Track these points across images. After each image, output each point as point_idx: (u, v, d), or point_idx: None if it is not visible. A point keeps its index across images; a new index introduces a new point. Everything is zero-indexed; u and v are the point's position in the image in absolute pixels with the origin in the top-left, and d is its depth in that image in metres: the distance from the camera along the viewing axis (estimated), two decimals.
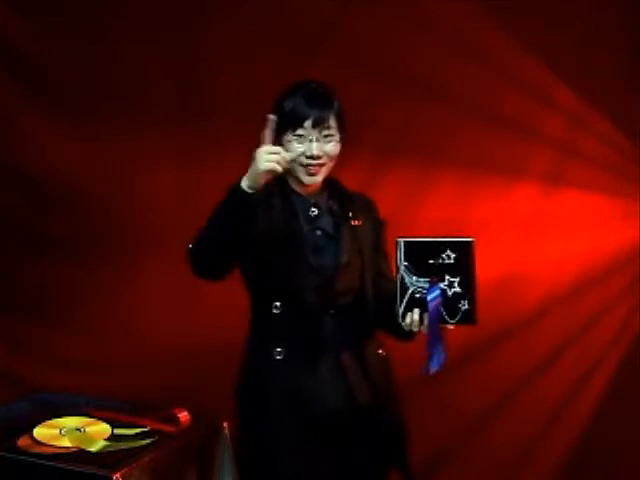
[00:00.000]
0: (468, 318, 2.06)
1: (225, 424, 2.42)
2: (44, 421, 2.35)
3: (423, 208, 3.40)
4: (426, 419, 3.36)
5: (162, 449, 2.23)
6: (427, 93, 3.36)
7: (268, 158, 2.04)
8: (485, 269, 3.38)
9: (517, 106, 3.40)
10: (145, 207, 3.38)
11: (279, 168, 2.05)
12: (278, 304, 2.21)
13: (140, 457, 2.16)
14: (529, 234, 3.47)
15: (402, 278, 2.07)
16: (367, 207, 2.38)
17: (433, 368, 2.08)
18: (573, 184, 3.45)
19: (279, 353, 2.21)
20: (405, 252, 2.06)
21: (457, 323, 2.07)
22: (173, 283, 3.37)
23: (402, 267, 2.06)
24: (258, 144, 2.08)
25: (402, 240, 2.07)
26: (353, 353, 2.26)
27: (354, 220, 2.29)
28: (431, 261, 2.06)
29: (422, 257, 2.06)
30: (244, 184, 2.06)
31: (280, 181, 2.28)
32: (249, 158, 2.08)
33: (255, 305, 2.31)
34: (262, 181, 2.06)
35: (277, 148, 2.08)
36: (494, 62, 3.38)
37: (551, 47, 3.34)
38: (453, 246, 2.05)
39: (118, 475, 2.06)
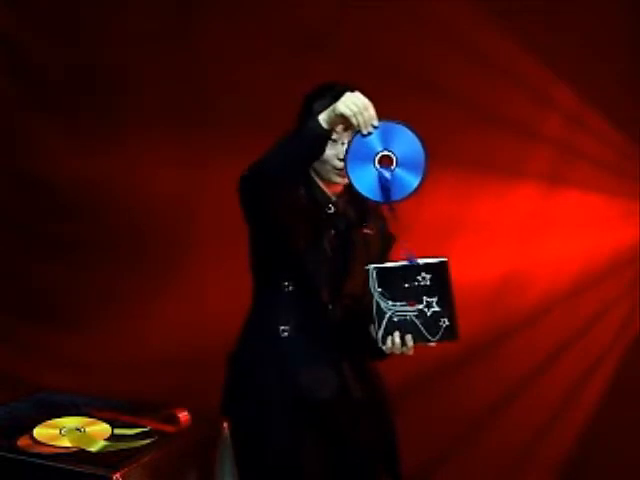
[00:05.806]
0: (450, 334, 2.07)
1: (225, 424, 2.42)
2: (44, 421, 2.35)
3: (423, 208, 3.39)
4: (426, 419, 3.36)
5: (162, 449, 2.23)
6: (427, 93, 3.36)
7: (351, 104, 2.01)
8: (485, 269, 3.44)
9: (517, 106, 3.40)
10: (145, 207, 3.38)
11: (355, 121, 2.02)
12: (289, 283, 2.23)
13: (140, 457, 2.16)
14: (529, 234, 3.47)
15: (377, 304, 2.07)
16: (380, 218, 2.38)
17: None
18: (572, 184, 3.45)
19: (284, 331, 2.23)
20: (378, 279, 2.06)
21: (439, 340, 2.08)
22: (173, 283, 3.38)
23: (376, 294, 2.06)
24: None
25: (373, 267, 2.07)
26: (349, 351, 2.28)
27: (366, 228, 2.31)
28: (406, 285, 2.06)
29: (396, 282, 2.06)
30: (321, 118, 2.04)
31: (306, 175, 2.28)
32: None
33: (263, 283, 2.31)
34: (334, 123, 2.04)
35: (368, 104, 2.04)
36: (494, 62, 3.38)
37: (551, 47, 3.34)
38: (427, 268, 2.05)
39: (118, 475, 2.06)
